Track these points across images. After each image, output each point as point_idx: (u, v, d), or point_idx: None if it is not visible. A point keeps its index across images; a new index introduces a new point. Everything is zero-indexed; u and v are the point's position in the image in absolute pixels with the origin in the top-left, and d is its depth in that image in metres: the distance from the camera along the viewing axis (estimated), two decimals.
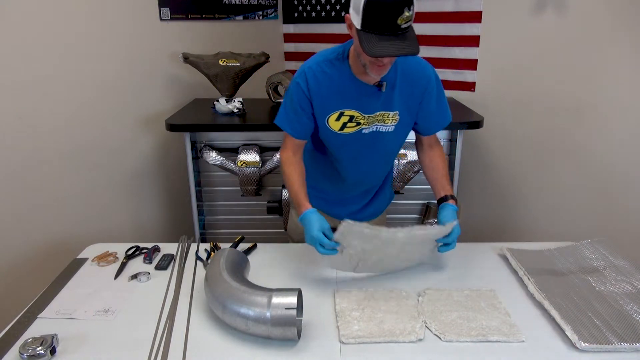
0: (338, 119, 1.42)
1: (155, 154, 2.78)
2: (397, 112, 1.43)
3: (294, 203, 1.47)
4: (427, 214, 2.45)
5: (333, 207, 1.64)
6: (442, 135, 2.35)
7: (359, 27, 1.18)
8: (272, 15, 2.90)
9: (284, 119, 1.48)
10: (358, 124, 1.42)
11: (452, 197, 1.47)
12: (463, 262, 1.49)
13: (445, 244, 1.38)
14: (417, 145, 1.60)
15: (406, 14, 1.14)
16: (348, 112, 1.41)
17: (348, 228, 1.27)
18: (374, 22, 1.15)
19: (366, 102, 1.40)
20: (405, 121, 1.46)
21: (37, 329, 1.20)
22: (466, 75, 2.65)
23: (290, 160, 1.50)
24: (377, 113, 1.41)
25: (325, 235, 1.32)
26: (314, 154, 1.61)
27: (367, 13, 1.15)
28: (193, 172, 2.34)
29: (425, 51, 2.72)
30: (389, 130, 1.45)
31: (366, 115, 1.41)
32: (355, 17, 1.20)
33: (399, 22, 1.15)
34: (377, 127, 1.44)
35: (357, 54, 1.30)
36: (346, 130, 1.44)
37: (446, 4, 2.58)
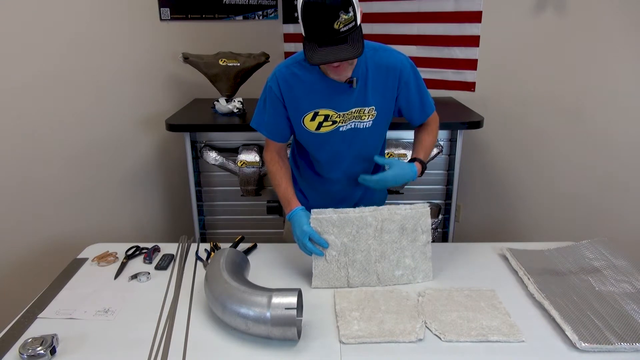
0: (313, 118, 1.43)
1: (155, 154, 2.78)
2: (373, 107, 1.43)
3: (282, 202, 1.48)
4: None
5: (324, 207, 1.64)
6: (442, 135, 2.34)
7: (304, 35, 1.21)
8: (272, 15, 2.90)
9: (259, 121, 1.50)
10: (334, 122, 1.43)
11: (421, 162, 1.47)
12: (463, 262, 1.49)
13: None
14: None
15: (343, 17, 1.16)
16: (322, 111, 1.41)
17: (317, 215, 1.35)
18: (312, 30, 1.18)
19: (339, 100, 1.40)
20: (382, 116, 1.46)
21: (37, 329, 1.20)
22: (466, 75, 2.65)
23: (275, 160, 1.52)
24: (352, 110, 1.41)
25: (311, 237, 1.35)
26: (295, 160, 1.63)
27: (305, 22, 1.18)
28: (193, 172, 2.34)
29: (426, 51, 2.72)
30: (367, 126, 1.45)
31: (341, 113, 1.41)
32: (300, 26, 1.22)
33: (336, 26, 1.16)
34: (354, 124, 1.44)
35: None
36: (323, 130, 1.44)
37: (446, 4, 2.58)
